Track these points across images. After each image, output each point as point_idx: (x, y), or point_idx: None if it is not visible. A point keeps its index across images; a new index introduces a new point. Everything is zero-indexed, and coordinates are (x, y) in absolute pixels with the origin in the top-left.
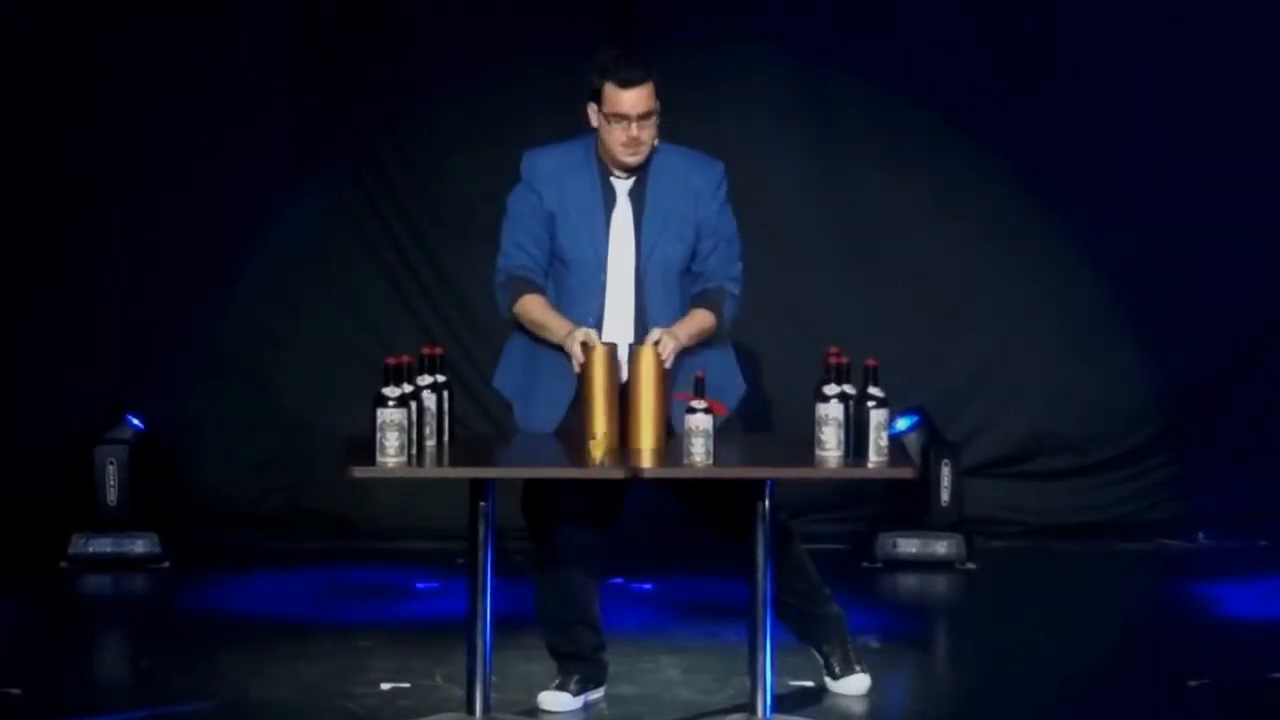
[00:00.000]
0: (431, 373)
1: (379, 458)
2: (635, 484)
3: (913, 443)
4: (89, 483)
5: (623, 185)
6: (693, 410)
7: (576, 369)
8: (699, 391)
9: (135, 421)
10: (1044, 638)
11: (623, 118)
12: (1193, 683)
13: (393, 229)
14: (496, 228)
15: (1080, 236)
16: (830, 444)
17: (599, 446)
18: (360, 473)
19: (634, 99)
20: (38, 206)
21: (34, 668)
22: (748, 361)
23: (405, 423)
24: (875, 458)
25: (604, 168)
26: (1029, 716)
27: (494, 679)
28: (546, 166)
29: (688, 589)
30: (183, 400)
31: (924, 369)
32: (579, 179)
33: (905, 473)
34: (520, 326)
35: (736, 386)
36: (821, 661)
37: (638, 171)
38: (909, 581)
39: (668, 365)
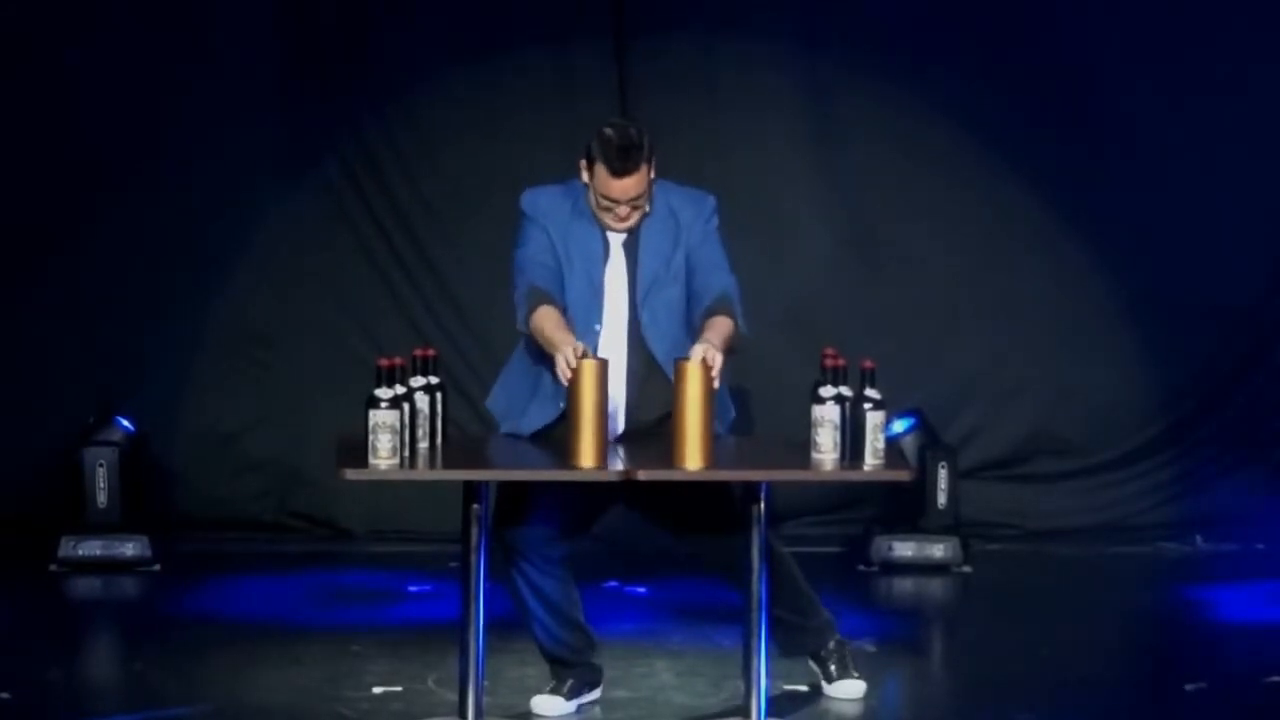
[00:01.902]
0: (424, 374)
1: (371, 460)
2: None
3: (909, 445)
4: (79, 485)
5: (616, 237)
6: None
7: (564, 379)
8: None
9: (125, 424)
10: (1040, 641)
11: (612, 201)
12: (1190, 686)
13: (386, 229)
14: (491, 226)
15: (1079, 239)
16: (826, 446)
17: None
18: (352, 475)
19: (624, 187)
20: (28, 207)
21: (23, 671)
22: (744, 361)
23: (398, 424)
24: (872, 460)
25: (596, 217)
26: None
27: (487, 683)
28: (549, 205)
29: (682, 593)
30: (173, 402)
31: (921, 371)
32: (578, 225)
33: (902, 475)
34: (527, 345)
35: (726, 411)
36: (817, 668)
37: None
38: (905, 585)
39: (717, 379)
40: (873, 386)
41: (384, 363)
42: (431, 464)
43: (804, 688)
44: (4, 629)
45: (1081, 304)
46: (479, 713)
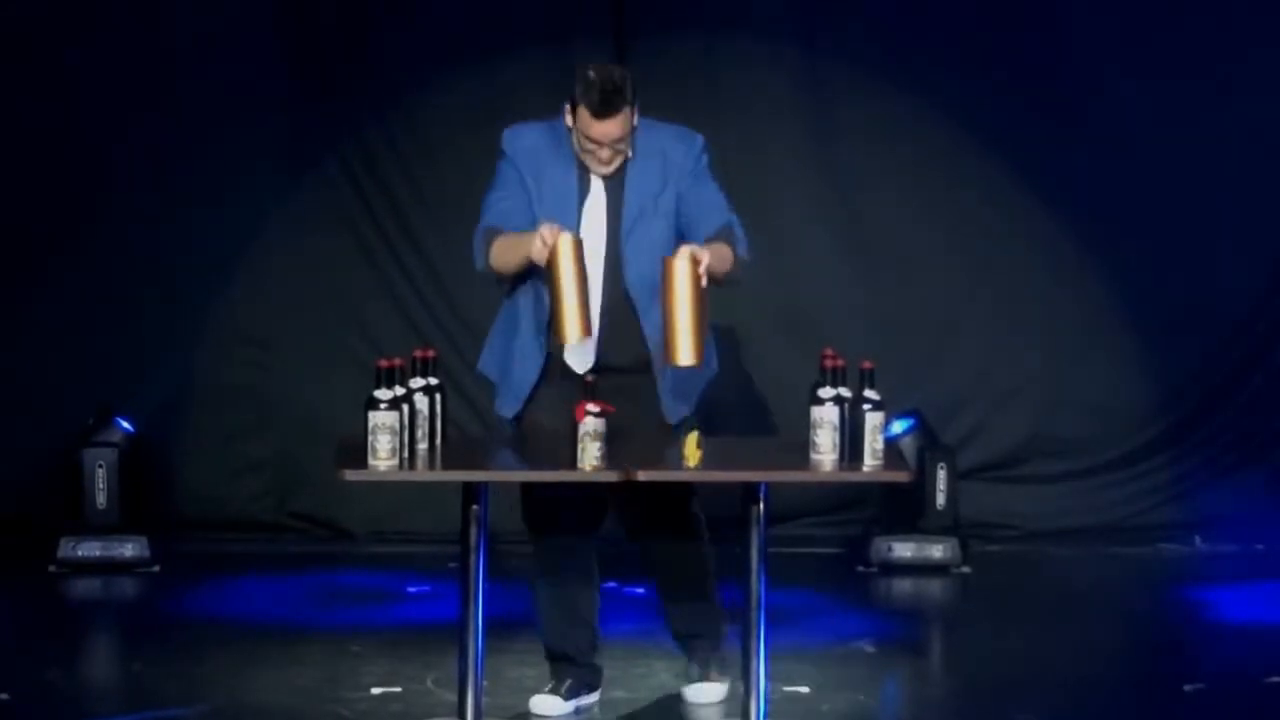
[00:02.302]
0: (424, 375)
1: (371, 461)
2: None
3: (908, 446)
4: (78, 486)
5: (599, 174)
6: (589, 414)
7: (540, 259)
8: (589, 395)
9: (125, 424)
10: (1039, 642)
11: (594, 143)
12: (1188, 687)
13: (386, 230)
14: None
15: (1078, 240)
16: (825, 447)
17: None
18: (352, 475)
19: (605, 130)
20: (27, 208)
21: (23, 672)
22: (742, 361)
23: (397, 425)
24: (871, 461)
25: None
26: None
27: (486, 683)
28: (526, 143)
29: None
30: (172, 403)
31: (920, 372)
32: (555, 162)
33: (901, 476)
34: (507, 306)
35: (708, 367)
36: (686, 659)
37: None
38: (904, 585)
39: (704, 278)
40: (872, 387)
41: (383, 364)
42: (431, 465)
43: (804, 689)
44: (3, 630)
45: (1080, 305)
46: (478, 713)
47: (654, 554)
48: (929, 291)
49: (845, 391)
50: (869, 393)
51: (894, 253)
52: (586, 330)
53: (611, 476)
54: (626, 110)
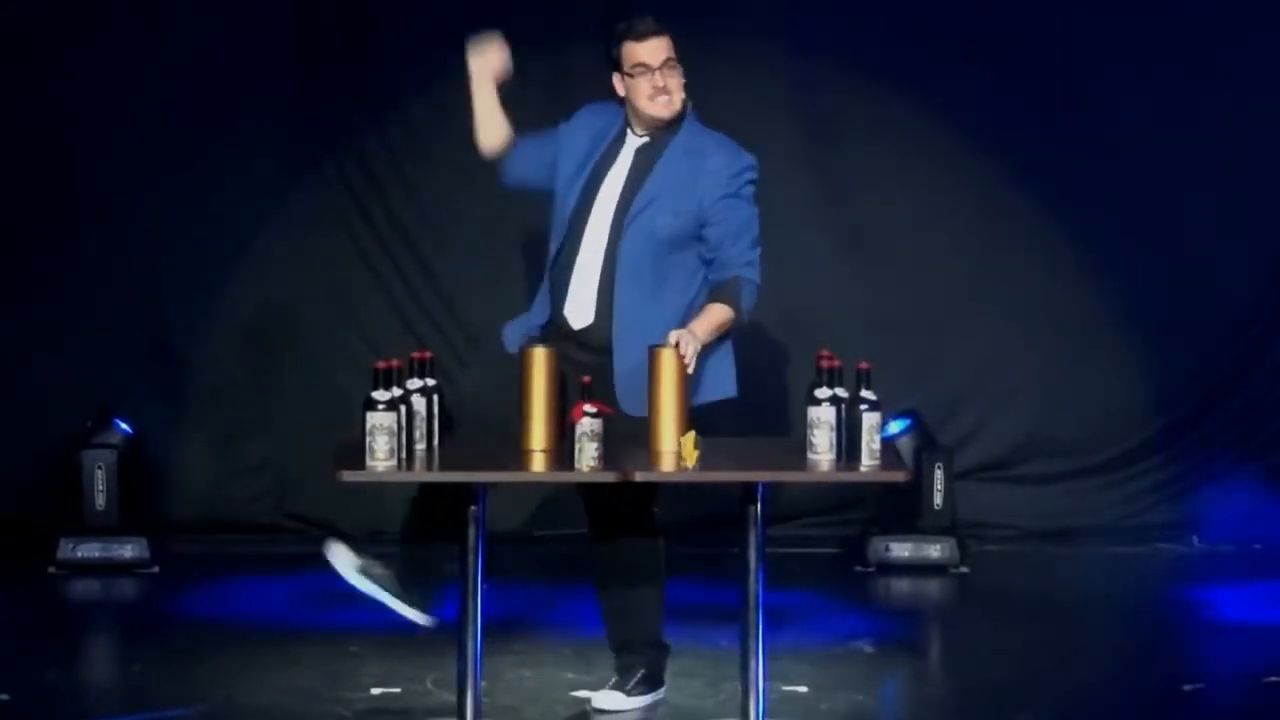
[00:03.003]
0: (421, 376)
1: (368, 462)
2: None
3: (906, 446)
4: (77, 487)
5: (634, 141)
6: (586, 414)
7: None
8: (585, 396)
9: (123, 426)
10: (1037, 641)
11: (645, 67)
12: (1187, 687)
13: (381, 232)
14: (488, 229)
15: (1076, 240)
16: (822, 447)
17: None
18: (349, 477)
19: (651, 48)
20: (26, 211)
21: (22, 672)
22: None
23: (395, 426)
24: (868, 461)
25: (625, 128)
26: None
27: (484, 684)
28: (590, 112)
29: (680, 594)
30: (171, 405)
31: (917, 372)
32: (604, 125)
33: (898, 476)
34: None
35: (726, 388)
36: (614, 663)
37: (656, 133)
38: (902, 585)
39: (690, 367)
40: (869, 387)
41: (381, 365)
42: (429, 466)
43: (802, 688)
44: (4, 630)
45: (1078, 305)
46: (477, 713)
47: (607, 557)
48: (926, 292)
49: (842, 392)
50: (866, 393)
51: (891, 253)
52: (551, 440)
53: (609, 477)
54: (666, 36)
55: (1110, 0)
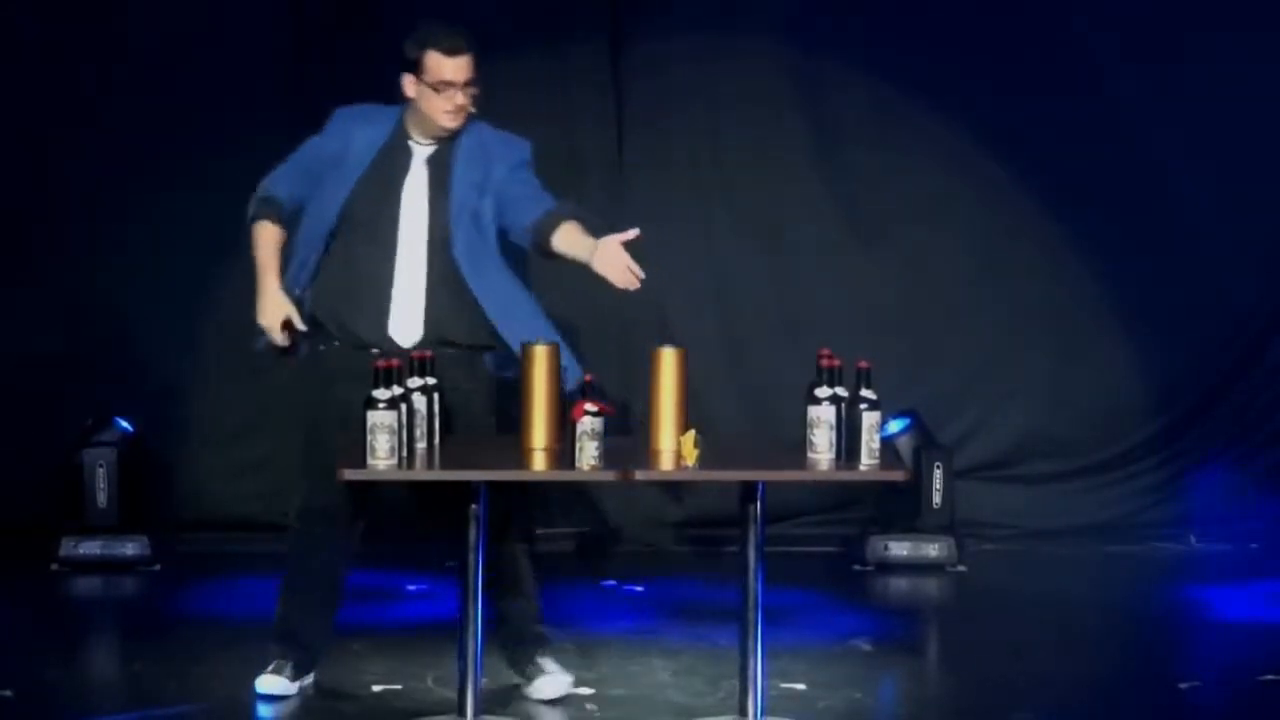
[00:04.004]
0: (421, 375)
1: (369, 460)
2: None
3: (905, 445)
4: (79, 486)
5: (421, 151)
6: (586, 413)
7: (263, 322)
8: (588, 394)
9: (125, 424)
10: (1035, 640)
11: (448, 85)
12: (1184, 685)
13: None
14: None
15: (1075, 241)
16: (822, 446)
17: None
18: (351, 475)
19: (458, 66)
20: (27, 209)
21: (24, 670)
22: (740, 361)
23: (396, 425)
24: (867, 460)
25: (405, 134)
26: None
27: (485, 681)
28: (345, 119)
29: (679, 591)
30: (172, 403)
31: (917, 372)
32: (388, 138)
33: (897, 476)
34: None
35: (573, 371)
36: (518, 671)
37: (440, 142)
38: (900, 584)
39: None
40: (868, 387)
41: (381, 364)
42: (429, 464)
43: (800, 686)
44: (5, 628)
45: (1077, 305)
46: (477, 711)
47: (505, 555)
48: (926, 292)
49: (842, 391)
50: (865, 392)
51: (891, 252)
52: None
53: (609, 476)
54: (473, 56)
55: (1113, 1)
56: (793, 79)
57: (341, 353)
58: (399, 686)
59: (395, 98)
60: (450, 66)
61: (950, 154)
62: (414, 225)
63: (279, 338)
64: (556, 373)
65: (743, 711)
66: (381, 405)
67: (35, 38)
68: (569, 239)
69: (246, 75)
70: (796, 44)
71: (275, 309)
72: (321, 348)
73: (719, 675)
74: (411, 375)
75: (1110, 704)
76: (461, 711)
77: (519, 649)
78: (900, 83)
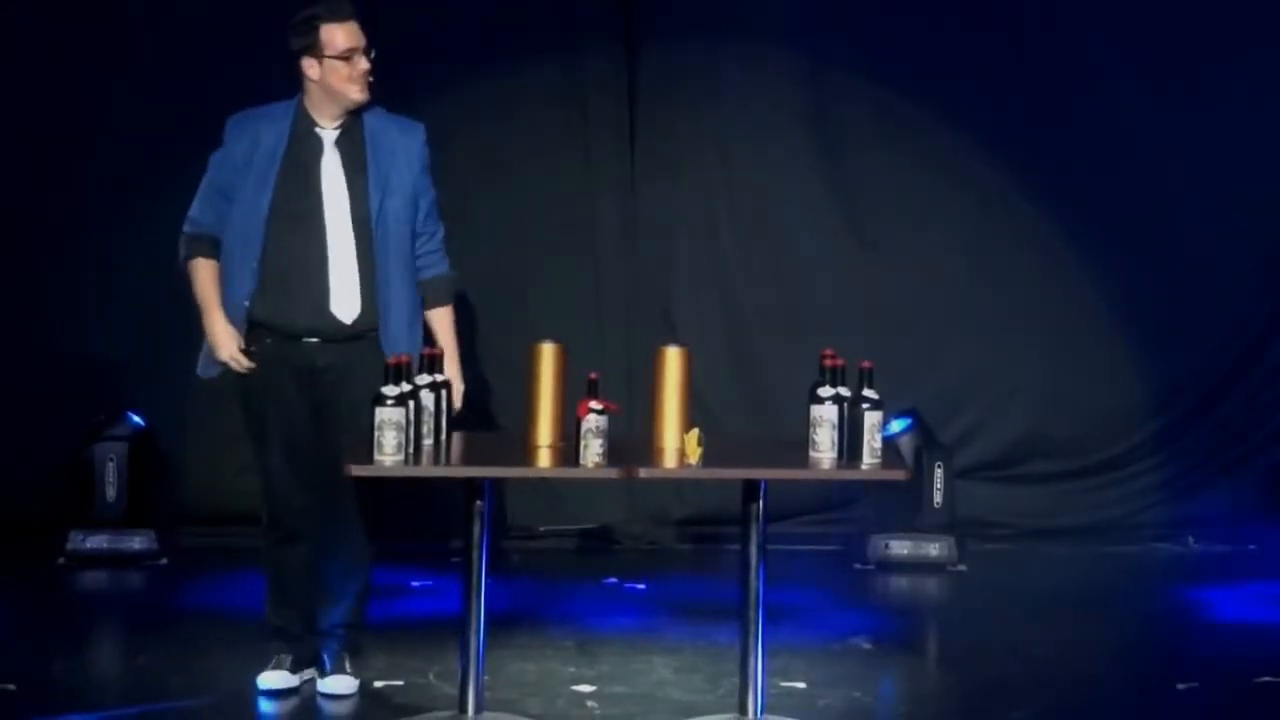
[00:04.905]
0: (430, 372)
1: (377, 456)
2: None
3: (906, 445)
4: (88, 479)
5: (329, 135)
6: (592, 411)
7: (222, 355)
8: (592, 392)
9: (135, 419)
10: (1033, 640)
11: (351, 51)
12: (1181, 686)
13: None
14: (499, 228)
15: (1075, 241)
16: (824, 445)
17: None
18: (358, 471)
19: (352, 31)
20: (39, 204)
21: (31, 663)
22: (742, 360)
23: (403, 421)
24: (869, 459)
25: (310, 121)
26: (1018, 719)
27: (486, 678)
28: (241, 124)
29: (680, 589)
30: (182, 398)
31: (918, 372)
32: (294, 128)
33: (898, 475)
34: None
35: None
36: (322, 660)
37: (345, 123)
38: (900, 583)
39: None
40: (870, 387)
41: (390, 360)
42: (436, 461)
43: (801, 684)
44: (12, 622)
45: (1077, 307)
46: (479, 706)
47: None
48: (928, 291)
49: (844, 391)
50: (868, 392)
51: (895, 253)
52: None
53: (612, 473)
54: (359, 21)
55: (1112, 4)
56: (800, 85)
57: (274, 347)
58: (400, 682)
59: (396, 100)
60: (346, 32)
61: (952, 157)
62: (337, 207)
63: (243, 363)
64: (562, 371)
65: (743, 709)
66: (389, 402)
67: (35, 38)
68: (439, 327)
69: (248, 74)
70: (802, 50)
71: (229, 341)
72: (254, 349)
73: (719, 673)
74: (420, 372)
75: (1108, 704)
76: (463, 707)
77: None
78: (904, 88)
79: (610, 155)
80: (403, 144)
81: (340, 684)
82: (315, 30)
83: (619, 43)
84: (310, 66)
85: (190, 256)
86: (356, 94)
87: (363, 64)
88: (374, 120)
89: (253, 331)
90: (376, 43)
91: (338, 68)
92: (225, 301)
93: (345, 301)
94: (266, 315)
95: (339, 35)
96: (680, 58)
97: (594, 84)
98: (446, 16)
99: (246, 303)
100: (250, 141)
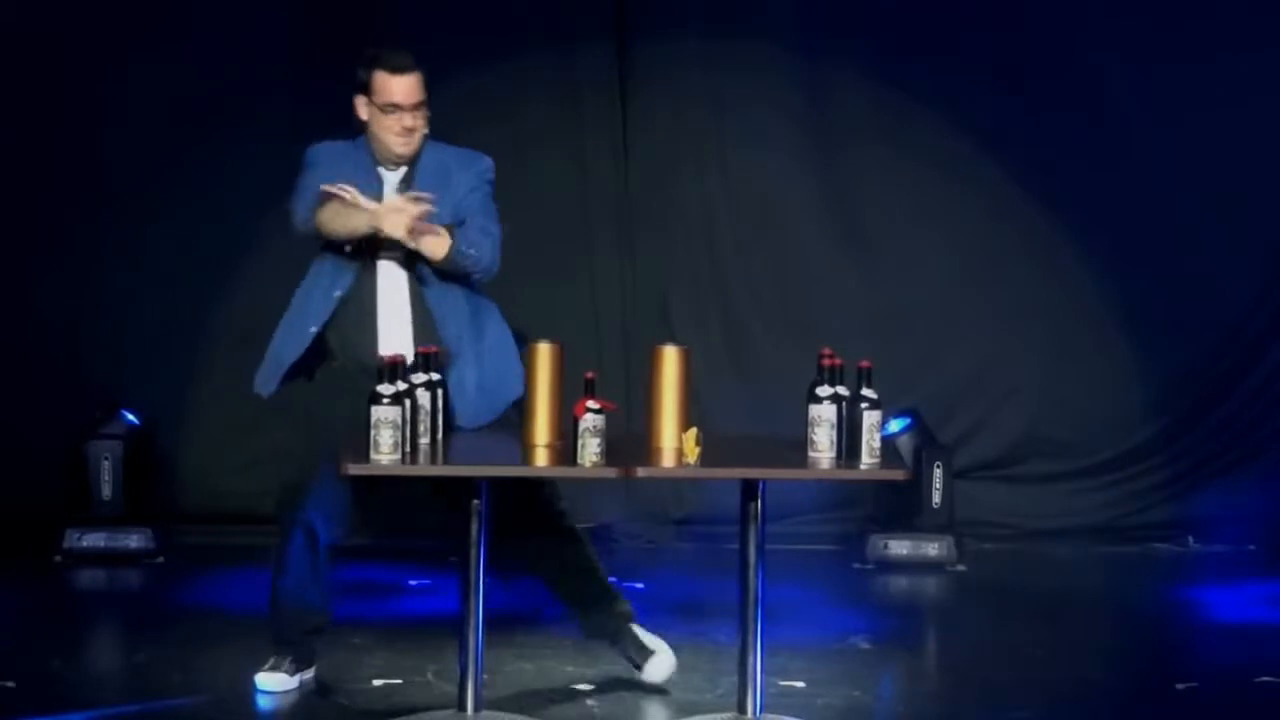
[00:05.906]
0: (426, 370)
1: (373, 455)
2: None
3: (905, 445)
4: (84, 477)
5: (391, 177)
6: (589, 410)
7: (371, 221)
8: (590, 392)
9: (130, 417)
10: (1033, 640)
11: (395, 107)
12: (1181, 686)
13: None
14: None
15: (1075, 241)
16: (823, 445)
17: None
18: (354, 470)
19: (406, 87)
20: (33, 202)
21: (28, 661)
22: (742, 360)
23: (399, 420)
24: (868, 459)
25: (373, 161)
26: (1017, 718)
27: (485, 676)
28: (325, 153)
29: (679, 589)
30: (177, 395)
31: (918, 372)
32: (358, 170)
33: (897, 475)
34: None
35: (514, 388)
36: (623, 658)
37: (407, 165)
38: (900, 583)
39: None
40: (869, 386)
41: (386, 359)
42: (433, 460)
43: (800, 683)
44: (9, 619)
45: (1076, 307)
46: (478, 705)
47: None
48: (927, 291)
49: (843, 390)
50: (867, 391)
51: (893, 253)
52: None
53: (610, 473)
54: (419, 74)
55: (1112, 3)
56: (794, 82)
57: (345, 371)
58: (399, 680)
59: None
60: (397, 88)
61: (951, 157)
62: (390, 250)
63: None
64: (560, 371)
65: (742, 708)
66: (385, 400)
67: (35, 37)
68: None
69: (250, 73)
70: (798, 48)
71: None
72: (333, 365)
73: (718, 672)
74: (416, 371)
75: (1107, 704)
76: (462, 706)
77: (610, 639)
78: (902, 87)
79: (606, 154)
80: (459, 179)
81: (657, 644)
82: (371, 73)
83: (611, 42)
84: (361, 105)
85: (310, 218)
86: (398, 147)
87: (406, 120)
88: (430, 157)
89: (326, 353)
90: (372, 42)
91: (385, 120)
92: (290, 326)
93: (396, 346)
94: (333, 343)
95: (390, 86)
96: (673, 55)
97: (589, 83)
98: (442, 16)
99: (314, 328)
100: (332, 177)
